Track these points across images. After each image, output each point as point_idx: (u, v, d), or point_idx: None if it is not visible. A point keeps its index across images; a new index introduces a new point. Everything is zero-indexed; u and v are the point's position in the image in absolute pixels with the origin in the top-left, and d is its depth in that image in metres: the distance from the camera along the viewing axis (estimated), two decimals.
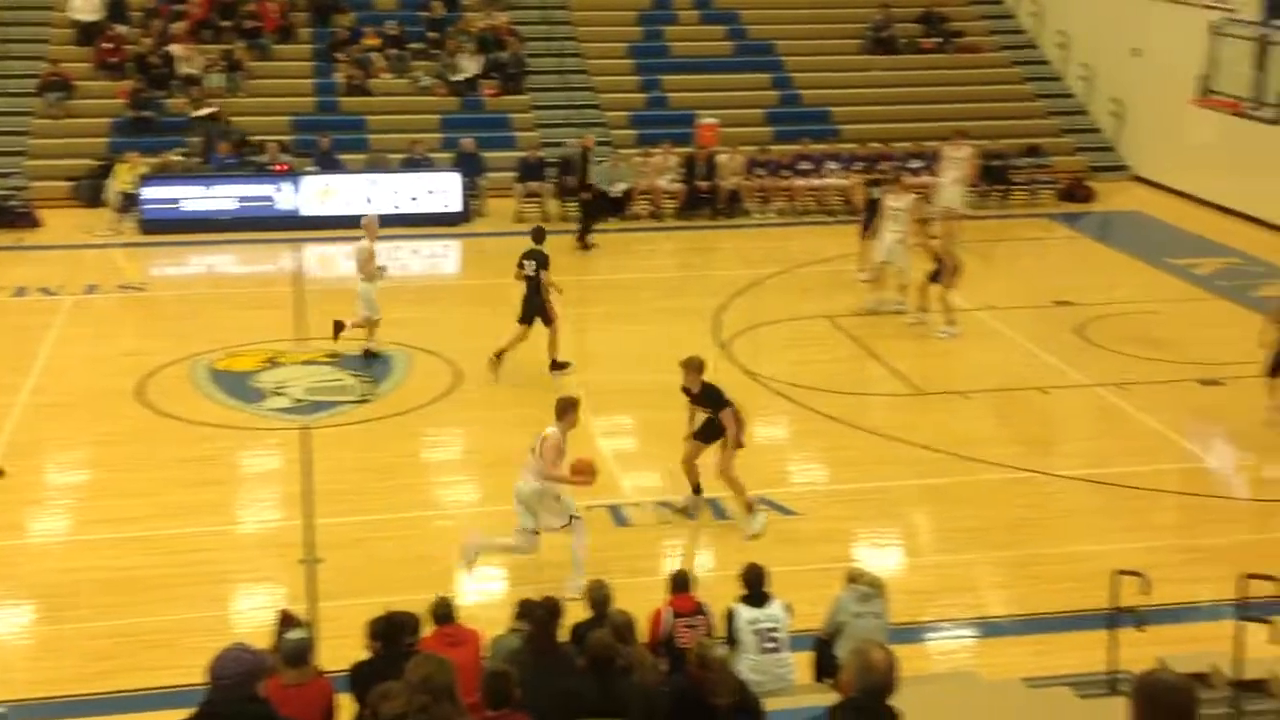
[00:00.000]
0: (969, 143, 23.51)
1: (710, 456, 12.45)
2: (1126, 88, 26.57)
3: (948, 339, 17.44)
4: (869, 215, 19.51)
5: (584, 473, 11.20)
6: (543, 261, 15.79)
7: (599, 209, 22.45)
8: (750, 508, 12.31)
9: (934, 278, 17.67)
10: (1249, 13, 21.44)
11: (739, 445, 12.29)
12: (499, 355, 15.75)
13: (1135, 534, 12.29)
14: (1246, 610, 9.06)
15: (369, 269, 16.43)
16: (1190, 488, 13.50)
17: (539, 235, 16.58)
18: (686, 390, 12.39)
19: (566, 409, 11.33)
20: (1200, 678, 8.96)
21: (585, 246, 21.76)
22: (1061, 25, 28.35)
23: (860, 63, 27.79)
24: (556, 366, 15.85)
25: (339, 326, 16.50)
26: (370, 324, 16.53)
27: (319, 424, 14.70)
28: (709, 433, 12.36)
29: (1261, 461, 14.16)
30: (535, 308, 15.75)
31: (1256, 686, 8.83)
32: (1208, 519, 12.80)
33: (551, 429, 11.21)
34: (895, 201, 18.47)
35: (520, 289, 15.85)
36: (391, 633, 7.73)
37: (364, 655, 7.80)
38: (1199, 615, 10.73)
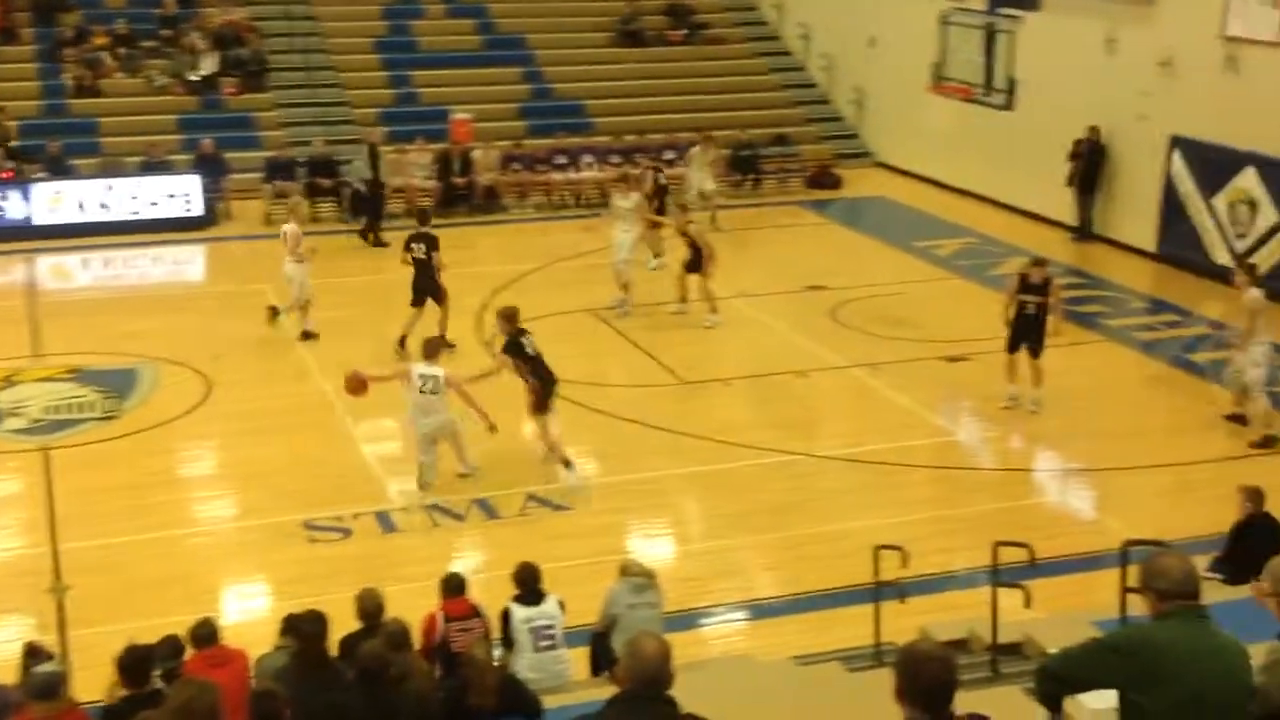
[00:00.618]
0: (715, 135, 24.06)
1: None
2: (865, 77, 27.50)
3: (711, 327, 17.67)
4: (659, 201, 20.52)
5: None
6: (433, 243, 16.35)
7: (370, 207, 22.01)
8: (566, 463, 13.01)
9: (690, 267, 17.90)
10: (976, 2, 22.50)
11: (539, 409, 13.10)
12: (401, 342, 16.17)
13: (893, 509, 12.69)
14: (999, 576, 9.44)
15: (298, 251, 16.61)
16: (941, 461, 14.03)
17: (424, 218, 17.04)
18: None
19: (439, 349, 13.10)
20: (960, 644, 9.32)
21: (379, 243, 21.40)
22: (801, 17, 29.13)
23: (610, 55, 27.97)
24: (445, 345, 15.61)
25: (274, 311, 16.81)
26: (302, 305, 16.74)
27: (60, 444, 13.94)
28: (537, 400, 13.09)
29: (1006, 433, 14.82)
30: (426, 289, 16.27)
31: (1013, 649, 9.19)
32: (959, 490, 13.33)
33: (438, 369, 12.62)
34: (623, 200, 18.66)
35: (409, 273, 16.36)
36: (137, 664, 7.28)
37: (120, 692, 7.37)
38: (956, 584, 11.12)
